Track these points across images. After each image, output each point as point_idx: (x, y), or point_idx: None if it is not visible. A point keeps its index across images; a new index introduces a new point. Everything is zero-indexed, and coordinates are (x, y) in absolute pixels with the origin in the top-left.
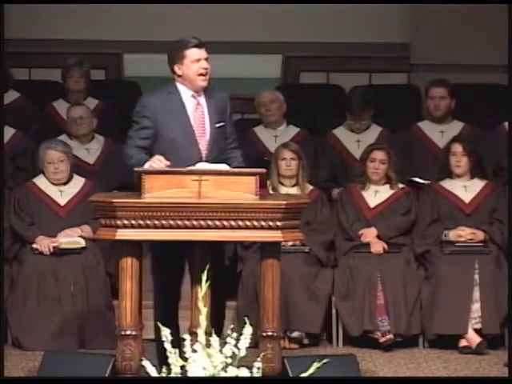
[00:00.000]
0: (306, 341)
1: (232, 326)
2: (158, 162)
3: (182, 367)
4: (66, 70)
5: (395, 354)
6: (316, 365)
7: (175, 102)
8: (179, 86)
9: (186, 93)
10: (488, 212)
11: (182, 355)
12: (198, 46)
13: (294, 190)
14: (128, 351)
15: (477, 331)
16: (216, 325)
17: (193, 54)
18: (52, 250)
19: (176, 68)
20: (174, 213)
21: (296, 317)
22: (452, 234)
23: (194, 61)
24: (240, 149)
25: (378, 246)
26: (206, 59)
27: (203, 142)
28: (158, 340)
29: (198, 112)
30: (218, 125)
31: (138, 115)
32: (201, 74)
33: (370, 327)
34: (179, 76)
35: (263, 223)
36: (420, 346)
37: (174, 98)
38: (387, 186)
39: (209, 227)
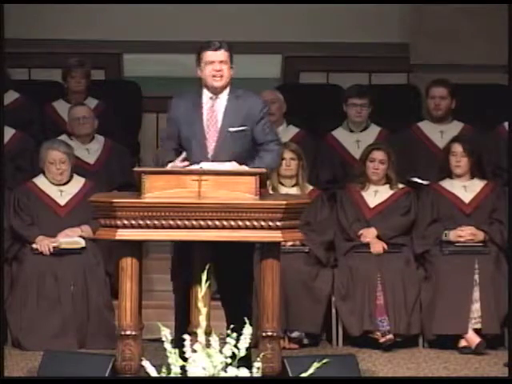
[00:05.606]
0: (305, 341)
1: (232, 325)
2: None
3: (182, 367)
4: (67, 70)
5: (395, 354)
6: (316, 365)
7: (196, 104)
8: (204, 89)
9: (206, 96)
10: (488, 212)
11: (181, 355)
12: (214, 48)
13: (294, 190)
14: (128, 351)
15: (477, 331)
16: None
17: (207, 56)
18: (52, 250)
19: (198, 71)
20: (174, 213)
21: (296, 317)
22: (452, 234)
23: (208, 63)
24: (271, 151)
25: (377, 246)
26: (222, 62)
27: (212, 146)
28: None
29: (210, 115)
30: (232, 129)
31: (168, 116)
32: (214, 76)
33: (369, 327)
34: (201, 79)
35: (263, 223)
36: (420, 346)
37: (196, 100)
38: (387, 186)
39: (209, 227)
